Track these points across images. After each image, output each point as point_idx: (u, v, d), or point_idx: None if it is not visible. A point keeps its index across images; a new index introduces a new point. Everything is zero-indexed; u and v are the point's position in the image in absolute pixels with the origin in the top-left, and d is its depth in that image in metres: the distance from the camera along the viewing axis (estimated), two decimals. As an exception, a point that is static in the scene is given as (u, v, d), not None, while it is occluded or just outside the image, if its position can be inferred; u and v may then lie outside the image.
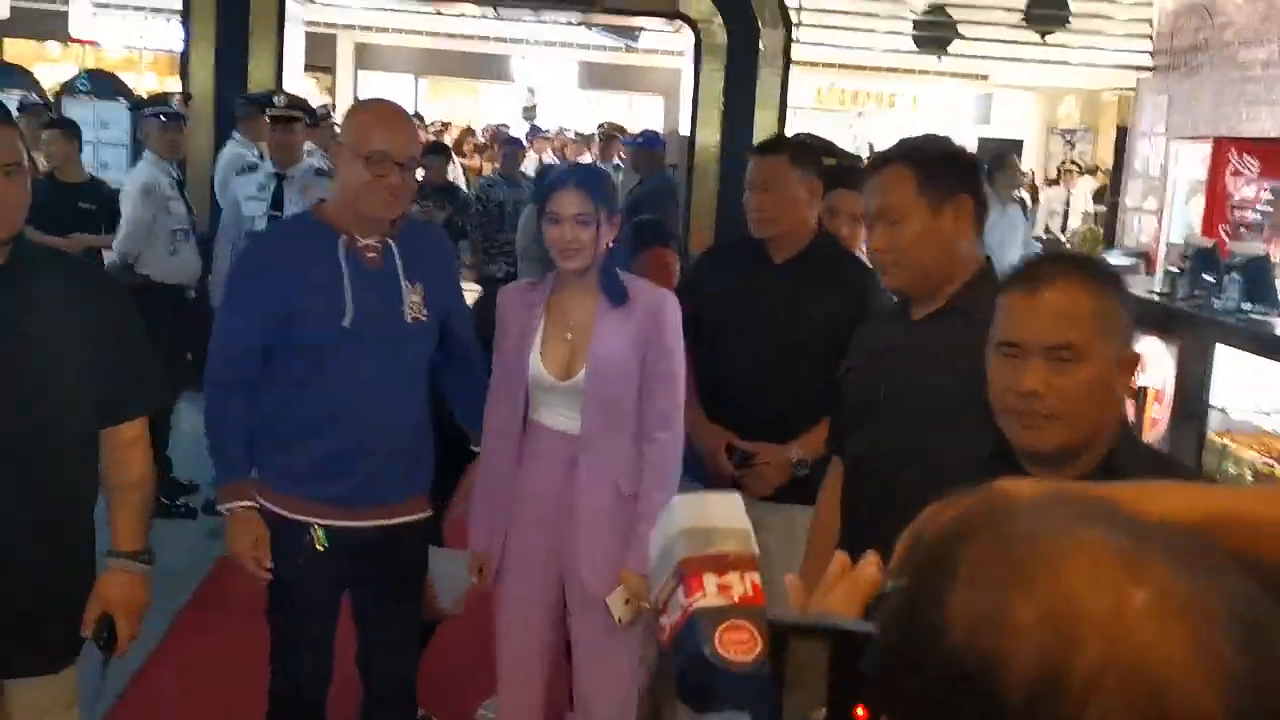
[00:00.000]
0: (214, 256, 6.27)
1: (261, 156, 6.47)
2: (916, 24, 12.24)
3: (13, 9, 14.97)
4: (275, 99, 6.22)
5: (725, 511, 1.15)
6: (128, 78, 16.10)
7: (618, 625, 3.01)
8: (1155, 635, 0.65)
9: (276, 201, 5.86)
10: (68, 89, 10.07)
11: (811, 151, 3.70)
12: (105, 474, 2.64)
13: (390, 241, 2.96)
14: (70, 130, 6.66)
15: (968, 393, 2.02)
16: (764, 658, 1.02)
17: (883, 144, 19.66)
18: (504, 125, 15.97)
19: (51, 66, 18.61)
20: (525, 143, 11.19)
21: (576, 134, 14.66)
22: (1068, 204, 15.18)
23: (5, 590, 2.39)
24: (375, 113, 3.06)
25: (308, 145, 9.47)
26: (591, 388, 2.98)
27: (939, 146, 2.60)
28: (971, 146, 17.06)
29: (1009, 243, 8.40)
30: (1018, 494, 0.76)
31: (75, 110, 9.74)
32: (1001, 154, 9.63)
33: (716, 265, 3.83)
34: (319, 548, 2.99)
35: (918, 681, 0.70)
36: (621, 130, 12.14)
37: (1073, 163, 16.37)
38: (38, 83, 10.84)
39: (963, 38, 12.21)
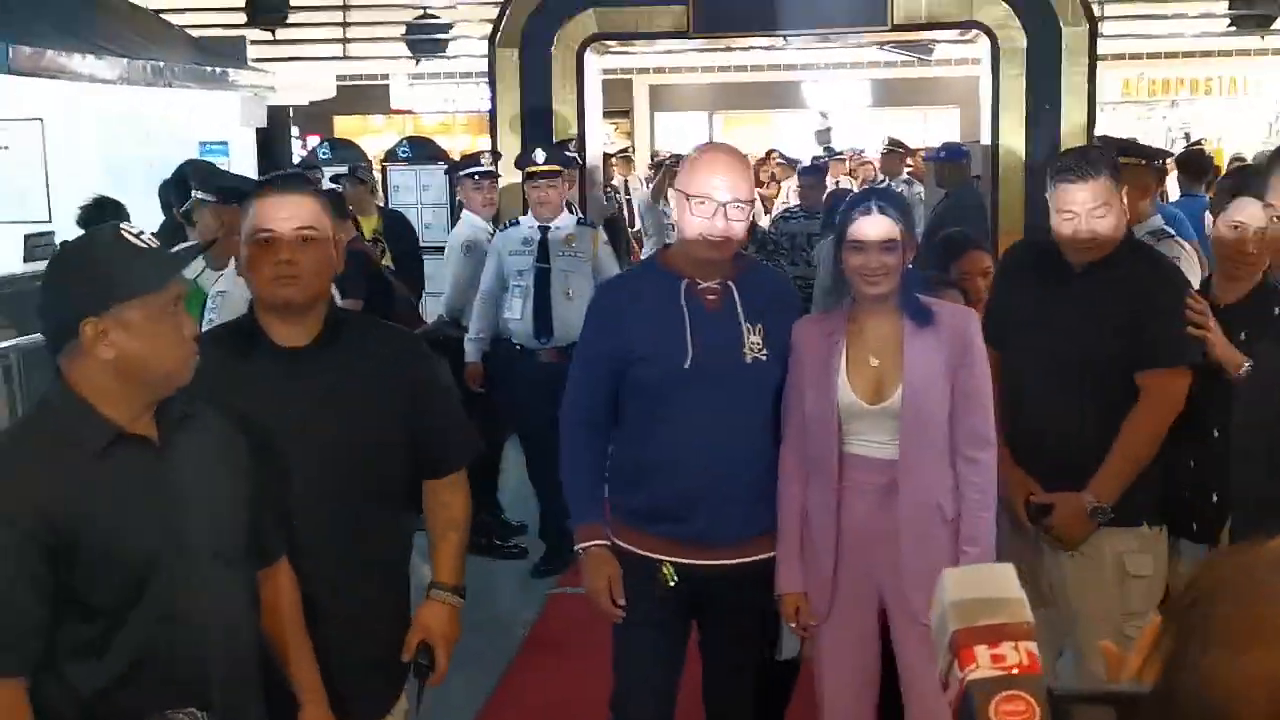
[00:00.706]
0: (475, 315, 6.18)
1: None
2: (1233, 3, 11.48)
3: (338, 88, 16.21)
4: (535, 155, 6.13)
5: (996, 581, 1.13)
6: (443, 140, 17.09)
7: None
8: None
9: (543, 254, 5.89)
10: (390, 157, 10.75)
11: (1108, 156, 3.58)
12: (427, 515, 2.79)
13: (730, 284, 3.02)
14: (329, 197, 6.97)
15: None
16: None
17: (1201, 133, 18.53)
18: (773, 151, 15.59)
19: (375, 137, 19.98)
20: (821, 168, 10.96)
21: (800, 159, 13.23)
22: None
23: (338, 639, 2.52)
24: (701, 155, 3.13)
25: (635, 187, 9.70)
26: (909, 410, 2.95)
27: None
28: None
29: None
30: (1274, 547, 0.74)
31: (398, 177, 10.43)
32: None
33: (1009, 279, 3.68)
34: (669, 584, 3.05)
35: None
36: (903, 145, 11.83)
37: None
38: (364, 153, 11.64)
39: (1286, 12, 11.38)
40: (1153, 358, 3.27)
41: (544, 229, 5.93)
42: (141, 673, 2.09)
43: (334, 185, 8.24)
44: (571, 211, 7.48)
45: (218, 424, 2.29)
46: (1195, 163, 8.44)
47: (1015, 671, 1.05)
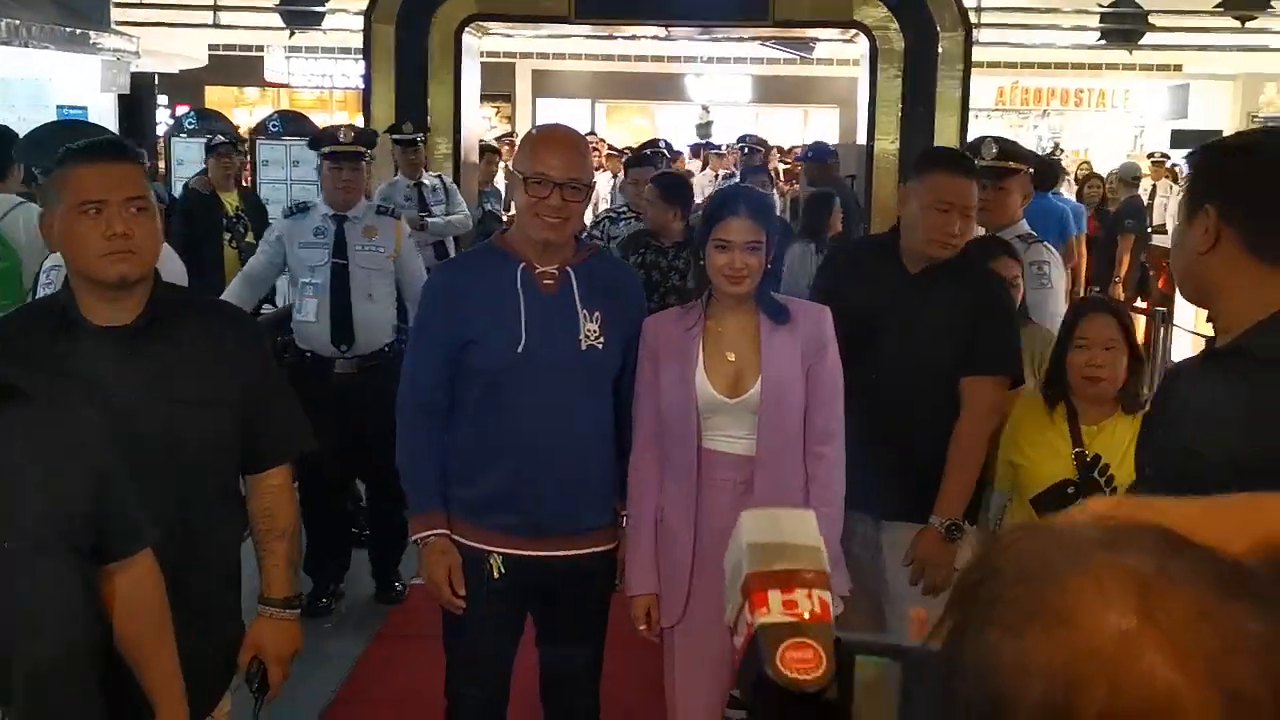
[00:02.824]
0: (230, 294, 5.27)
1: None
2: (1103, 17, 11.76)
3: (211, 58, 15.76)
4: (340, 134, 5.33)
5: (795, 527, 1.10)
6: (320, 117, 16.71)
7: None
8: (1163, 666, 0.63)
9: (340, 247, 5.05)
10: (260, 130, 10.48)
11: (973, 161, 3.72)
12: (252, 520, 2.63)
13: (569, 269, 2.95)
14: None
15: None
16: (829, 676, 0.97)
17: (1070, 142, 19.03)
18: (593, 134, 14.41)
19: (249, 110, 19.53)
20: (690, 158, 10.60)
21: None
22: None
23: None
24: (538, 136, 3.09)
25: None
26: (768, 403, 2.93)
27: None
28: (1164, 141, 16.35)
29: None
30: (1071, 521, 0.74)
31: (268, 151, 10.17)
32: None
33: (849, 275, 3.63)
34: (496, 575, 2.97)
35: (949, 717, 0.71)
36: (763, 143, 11.72)
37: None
38: (233, 126, 11.33)
39: (1154, 28, 11.69)
40: (976, 364, 3.33)
41: (339, 219, 5.09)
42: None
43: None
44: (425, 191, 7.26)
45: (58, 405, 2.12)
46: (1049, 168, 9.48)
47: (806, 618, 1.03)
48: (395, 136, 7.45)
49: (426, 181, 7.39)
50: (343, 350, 5.02)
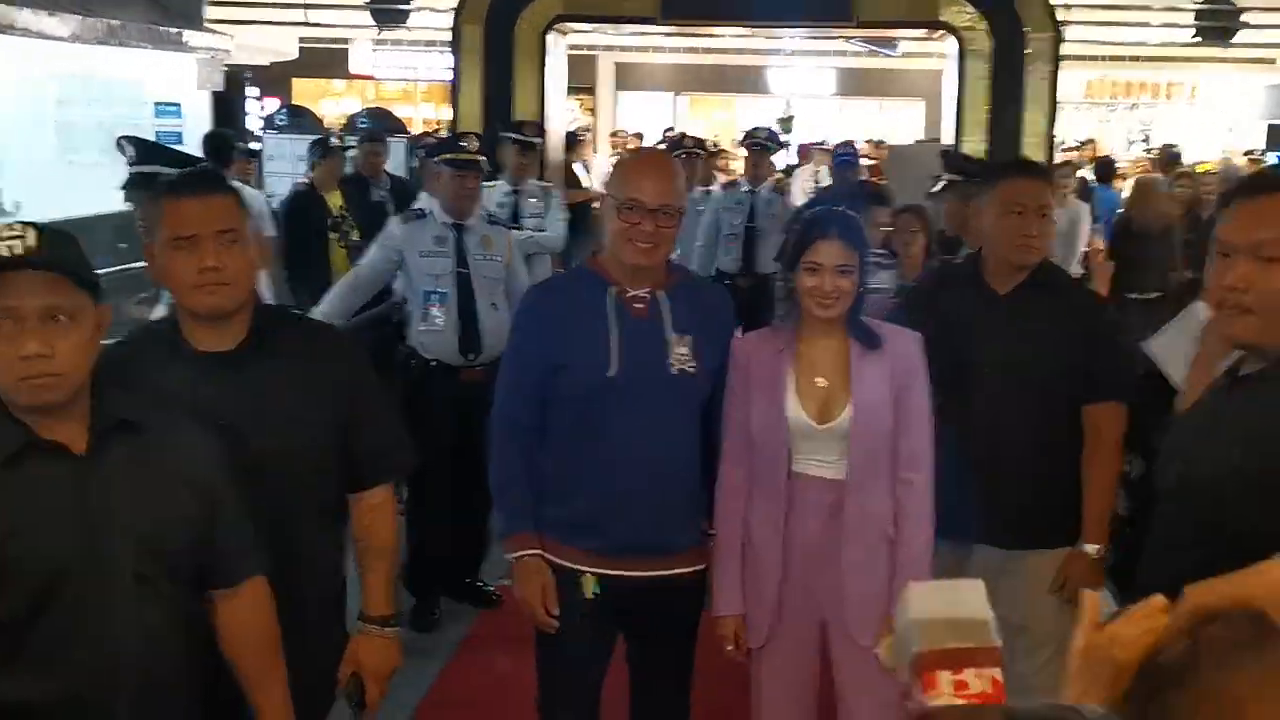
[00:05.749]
0: (336, 296, 5.28)
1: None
2: (1198, 13, 11.52)
3: (300, 49, 15.98)
4: (462, 142, 5.31)
5: (965, 601, 1.09)
6: (404, 109, 16.88)
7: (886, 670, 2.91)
8: None
9: (460, 257, 5.05)
10: (348, 127, 10.62)
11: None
12: (353, 538, 2.68)
13: (660, 293, 2.98)
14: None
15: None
16: None
17: (1161, 137, 18.66)
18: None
19: (335, 101, 19.79)
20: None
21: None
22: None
23: None
24: (632, 160, 3.13)
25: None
26: (858, 431, 2.92)
27: None
28: (1259, 138, 15.97)
29: None
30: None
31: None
32: None
33: (935, 301, 3.58)
34: (589, 596, 3.00)
35: None
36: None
37: (1377, 150, 15.09)
38: (320, 122, 11.49)
39: (1248, 25, 11.43)
40: (1100, 391, 3.31)
41: (459, 227, 5.09)
42: (46, 690, 2.02)
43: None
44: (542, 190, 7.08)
45: (171, 434, 2.18)
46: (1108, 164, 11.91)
47: (976, 699, 1.03)
48: (514, 136, 7.05)
49: (527, 189, 7.01)
50: (470, 358, 5.03)
